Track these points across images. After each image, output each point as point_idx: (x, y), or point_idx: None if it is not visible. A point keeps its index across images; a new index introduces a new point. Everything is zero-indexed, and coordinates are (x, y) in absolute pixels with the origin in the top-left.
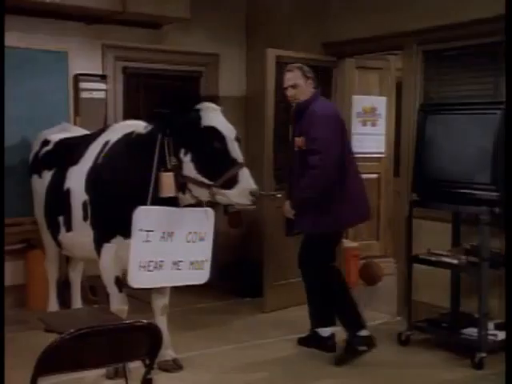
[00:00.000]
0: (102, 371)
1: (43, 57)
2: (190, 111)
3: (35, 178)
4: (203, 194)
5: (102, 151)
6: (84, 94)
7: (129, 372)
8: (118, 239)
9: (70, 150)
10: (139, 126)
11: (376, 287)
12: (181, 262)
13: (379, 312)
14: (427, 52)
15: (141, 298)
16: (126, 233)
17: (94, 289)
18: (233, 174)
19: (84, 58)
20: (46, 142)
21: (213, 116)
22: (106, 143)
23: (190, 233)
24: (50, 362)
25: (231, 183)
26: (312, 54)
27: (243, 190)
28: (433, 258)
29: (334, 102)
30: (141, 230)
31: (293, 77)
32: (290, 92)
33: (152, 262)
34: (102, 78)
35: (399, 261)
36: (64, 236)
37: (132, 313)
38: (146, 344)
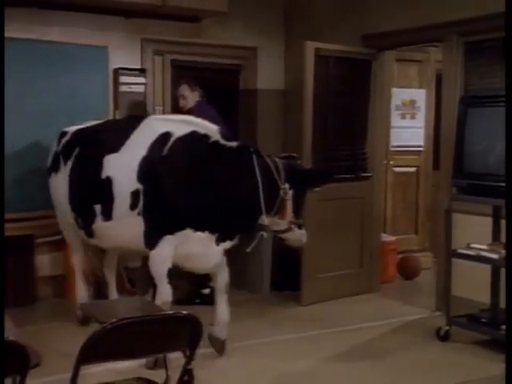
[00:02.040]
0: (141, 361)
1: (84, 52)
2: None
3: (53, 175)
4: (283, 226)
5: (161, 142)
6: (123, 88)
7: (169, 363)
8: (187, 231)
9: (99, 138)
10: (202, 125)
11: (414, 281)
12: None
13: (417, 307)
14: (468, 43)
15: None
16: (197, 225)
17: (131, 280)
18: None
19: (123, 53)
20: (63, 134)
21: None
22: (166, 135)
23: None
24: (92, 352)
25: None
26: (351, 46)
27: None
28: (472, 253)
29: (372, 94)
30: None
31: (182, 89)
32: (181, 102)
33: None
34: (141, 71)
35: (438, 255)
36: (100, 225)
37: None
38: (186, 335)
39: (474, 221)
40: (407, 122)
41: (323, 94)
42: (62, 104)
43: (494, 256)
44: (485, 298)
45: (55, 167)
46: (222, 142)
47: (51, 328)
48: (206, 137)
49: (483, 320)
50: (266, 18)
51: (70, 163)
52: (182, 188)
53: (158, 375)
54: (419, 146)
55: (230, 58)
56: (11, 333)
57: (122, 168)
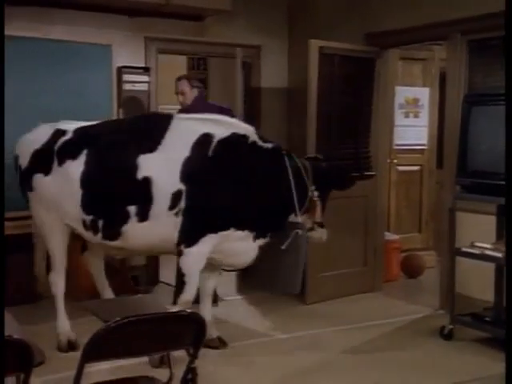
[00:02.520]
0: (145, 359)
1: (88, 50)
2: None
3: (39, 177)
4: (308, 225)
5: (203, 143)
6: (127, 86)
7: (173, 361)
8: (230, 231)
9: (121, 139)
10: (239, 126)
11: (418, 280)
12: None
13: (421, 305)
14: (472, 42)
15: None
16: (240, 225)
17: (136, 278)
18: None
19: (127, 51)
20: (59, 132)
21: None
22: (208, 136)
23: None
24: (96, 350)
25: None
26: (355, 44)
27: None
28: (476, 251)
29: (376, 92)
30: None
31: (181, 85)
32: (180, 98)
33: None
34: (145, 70)
35: (441, 254)
36: (134, 226)
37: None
38: (190, 333)
39: (478, 219)
40: (411, 120)
41: (327, 93)
42: (66, 102)
43: (498, 254)
44: (488, 296)
45: (44, 167)
46: (260, 143)
47: (54, 326)
48: (245, 137)
49: (487, 318)
50: (269, 16)
51: (75, 164)
52: (228, 189)
53: (161, 373)
54: (423, 145)
55: (234, 57)
56: (15, 331)
57: (162, 168)
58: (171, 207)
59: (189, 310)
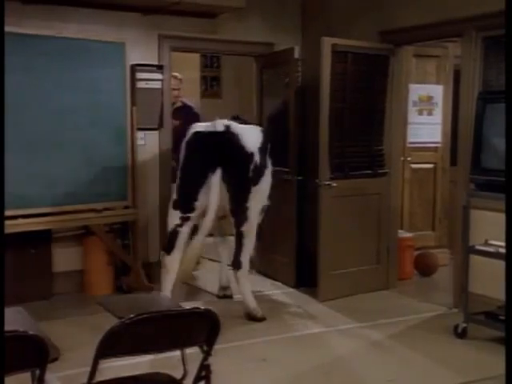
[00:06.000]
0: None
1: (101, 48)
2: None
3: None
4: None
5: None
6: (140, 84)
7: (186, 358)
8: None
9: None
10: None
11: (431, 278)
12: None
13: (435, 303)
14: (486, 38)
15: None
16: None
17: (150, 275)
18: None
19: (140, 49)
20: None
21: None
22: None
23: None
24: (110, 346)
25: None
26: (368, 42)
27: None
28: (490, 249)
29: (389, 90)
30: None
31: (178, 83)
32: (173, 92)
33: None
34: (159, 68)
35: (455, 252)
36: None
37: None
38: (203, 330)
39: (492, 217)
40: (424, 118)
41: (340, 90)
42: (80, 100)
43: None
44: (502, 294)
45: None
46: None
47: (69, 322)
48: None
49: (501, 317)
50: (282, 13)
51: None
52: None
53: (175, 370)
54: (436, 142)
55: (247, 54)
56: (31, 327)
57: None
58: None
59: (203, 308)
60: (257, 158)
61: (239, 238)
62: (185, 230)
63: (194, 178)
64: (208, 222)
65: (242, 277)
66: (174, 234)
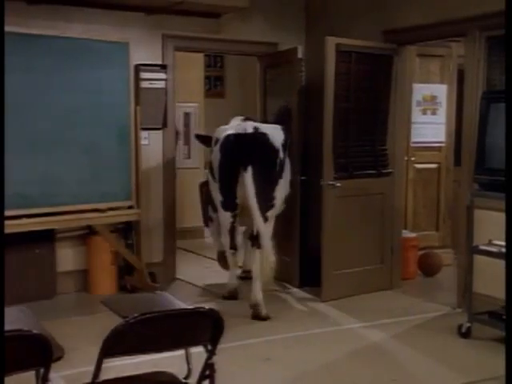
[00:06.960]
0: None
1: (105, 48)
2: None
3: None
4: None
5: None
6: (144, 84)
7: (190, 357)
8: None
9: None
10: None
11: (435, 278)
12: None
13: (438, 303)
14: (490, 38)
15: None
16: None
17: (153, 275)
18: None
19: (144, 48)
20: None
21: None
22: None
23: None
24: (114, 345)
25: None
26: (372, 41)
27: None
28: (494, 249)
29: (393, 90)
30: None
31: None
32: None
33: None
34: (162, 67)
35: (459, 251)
36: None
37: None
38: (207, 330)
39: (496, 217)
40: (428, 117)
41: (344, 90)
42: (83, 100)
43: None
44: None
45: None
46: None
47: (73, 322)
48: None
49: (504, 317)
50: (286, 13)
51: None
52: None
53: (179, 369)
54: (440, 142)
55: (251, 54)
56: (35, 326)
57: None
58: None
59: (206, 307)
60: (281, 153)
61: (263, 221)
62: (237, 226)
63: (231, 178)
64: (260, 225)
65: (264, 259)
66: (232, 230)
